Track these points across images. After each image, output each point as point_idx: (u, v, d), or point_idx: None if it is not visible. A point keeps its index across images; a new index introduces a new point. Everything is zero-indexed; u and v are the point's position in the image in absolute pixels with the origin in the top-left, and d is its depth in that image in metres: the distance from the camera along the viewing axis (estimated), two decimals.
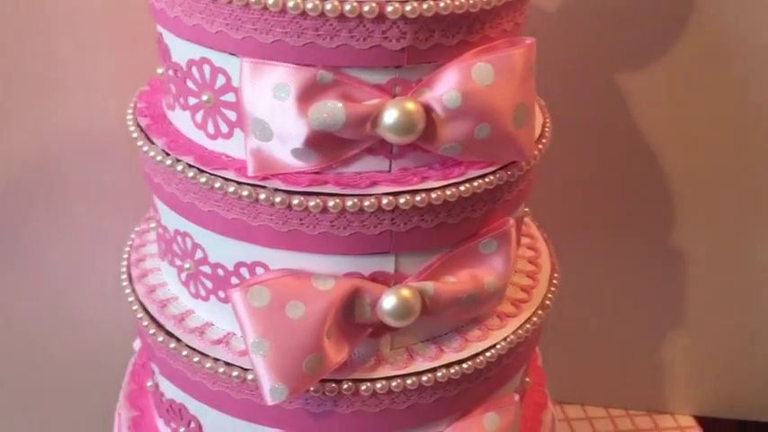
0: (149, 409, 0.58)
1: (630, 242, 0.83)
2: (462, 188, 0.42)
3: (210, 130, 0.43)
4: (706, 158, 0.78)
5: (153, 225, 0.51)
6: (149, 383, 0.55)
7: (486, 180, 0.43)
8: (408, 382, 0.44)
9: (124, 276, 0.52)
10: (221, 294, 0.46)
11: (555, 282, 0.53)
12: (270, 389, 0.41)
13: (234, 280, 0.45)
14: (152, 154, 0.44)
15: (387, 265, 0.43)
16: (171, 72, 0.44)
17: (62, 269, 0.75)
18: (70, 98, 0.69)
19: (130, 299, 0.50)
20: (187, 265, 0.47)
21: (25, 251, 0.74)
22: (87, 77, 0.68)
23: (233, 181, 0.41)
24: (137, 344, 0.69)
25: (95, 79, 0.68)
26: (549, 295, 0.52)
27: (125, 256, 0.54)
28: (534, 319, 0.50)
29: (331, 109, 0.38)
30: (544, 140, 0.48)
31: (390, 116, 0.39)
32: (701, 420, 0.91)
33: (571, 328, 0.86)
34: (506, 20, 0.42)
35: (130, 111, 0.49)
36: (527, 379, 0.56)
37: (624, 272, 0.85)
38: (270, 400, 0.41)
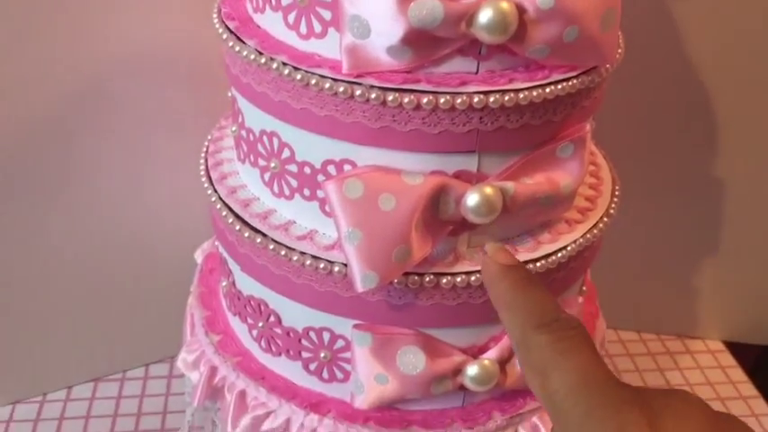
0: (221, 308, 0.60)
1: (665, 168, 0.84)
2: (548, 90, 0.43)
3: (303, 30, 0.45)
4: (752, 89, 0.79)
5: (234, 129, 0.53)
6: (223, 284, 0.58)
7: (570, 83, 0.44)
8: None
9: (204, 179, 0.54)
10: (306, 193, 0.48)
11: (617, 193, 0.55)
12: (361, 276, 0.44)
13: (320, 177, 0.47)
14: (245, 53, 0.45)
15: (470, 164, 0.45)
16: None
17: (117, 187, 0.77)
18: (127, 13, 0.69)
19: (213, 199, 0.52)
20: (273, 165, 0.49)
21: (79, 171, 0.75)
22: None
23: (328, 78, 0.43)
24: (198, 254, 0.71)
25: None
26: (613, 205, 0.54)
27: (202, 160, 0.56)
28: (600, 225, 0.52)
29: (430, 6, 0.40)
30: (620, 50, 0.49)
31: (485, 15, 0.40)
32: (729, 345, 0.94)
33: (605, 254, 0.87)
34: None
35: (215, 15, 0.50)
36: (584, 288, 0.58)
37: (657, 198, 0.86)
38: (360, 288, 0.44)
